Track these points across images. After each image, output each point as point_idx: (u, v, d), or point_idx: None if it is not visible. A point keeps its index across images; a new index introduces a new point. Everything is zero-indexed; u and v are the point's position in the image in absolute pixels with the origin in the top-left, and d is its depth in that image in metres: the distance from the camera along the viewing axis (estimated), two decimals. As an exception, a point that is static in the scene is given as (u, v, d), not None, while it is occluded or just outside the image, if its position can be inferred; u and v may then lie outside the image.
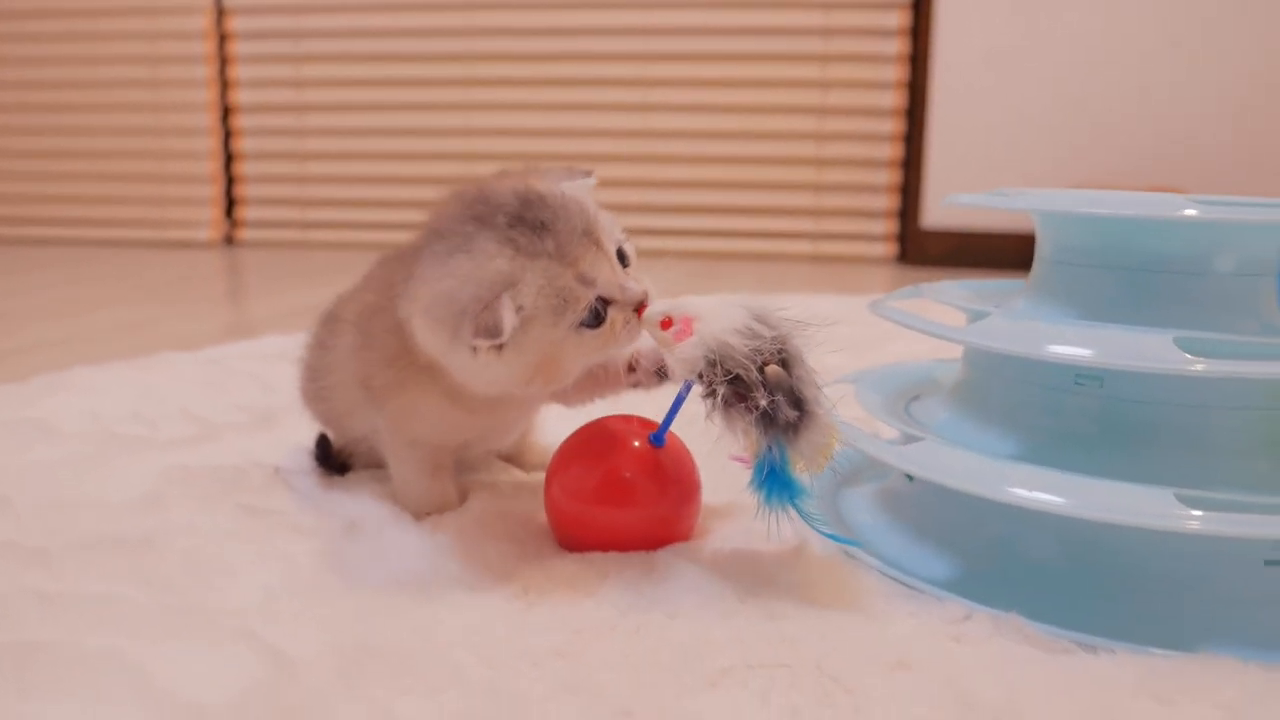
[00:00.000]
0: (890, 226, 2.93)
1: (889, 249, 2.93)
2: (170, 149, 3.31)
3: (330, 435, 0.91)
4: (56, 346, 1.53)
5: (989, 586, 0.66)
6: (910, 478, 0.78)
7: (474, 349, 0.64)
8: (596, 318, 0.66)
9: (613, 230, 0.70)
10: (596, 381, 0.77)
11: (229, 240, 3.33)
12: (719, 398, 0.63)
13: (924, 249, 2.81)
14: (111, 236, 3.33)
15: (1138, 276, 0.69)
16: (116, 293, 2.20)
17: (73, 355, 1.40)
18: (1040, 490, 0.62)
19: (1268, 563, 0.63)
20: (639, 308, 0.67)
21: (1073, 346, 0.65)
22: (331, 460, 0.90)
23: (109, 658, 0.56)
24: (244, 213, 3.31)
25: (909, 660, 0.57)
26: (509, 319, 0.62)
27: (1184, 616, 0.63)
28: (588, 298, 0.65)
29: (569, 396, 0.78)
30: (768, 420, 0.62)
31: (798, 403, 0.62)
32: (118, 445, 0.97)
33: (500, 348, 0.64)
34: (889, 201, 2.92)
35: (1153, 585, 0.64)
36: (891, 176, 2.91)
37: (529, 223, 0.65)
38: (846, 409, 0.78)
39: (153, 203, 3.33)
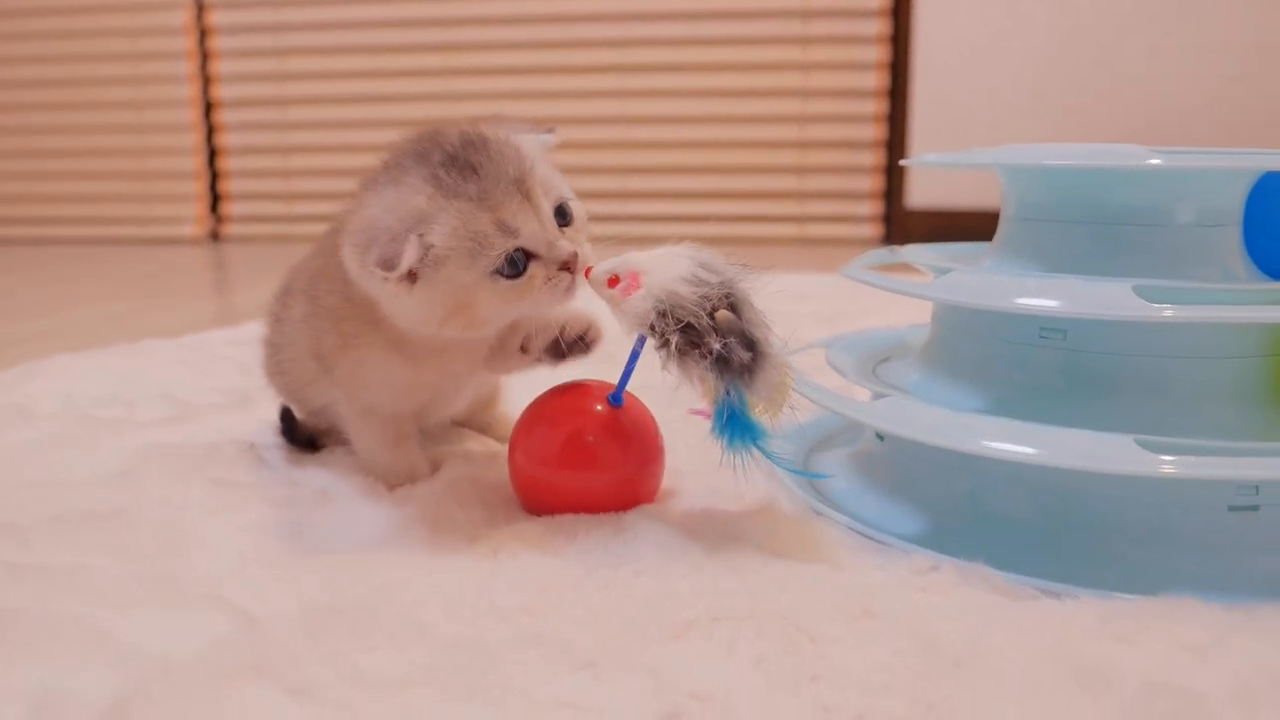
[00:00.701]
0: (875, 207, 2.94)
1: (874, 230, 2.93)
2: (153, 146, 3.30)
3: (294, 409, 0.91)
4: (38, 339, 1.53)
5: (958, 540, 0.66)
6: (881, 437, 0.78)
7: (382, 279, 0.64)
8: (514, 267, 0.66)
9: (553, 186, 0.69)
10: (498, 356, 0.77)
11: (214, 236, 3.33)
12: (672, 347, 0.63)
13: (909, 229, 2.82)
14: (96, 235, 3.32)
15: (1102, 230, 0.69)
16: (100, 289, 2.20)
17: (54, 347, 1.40)
18: (1011, 442, 0.62)
19: (1231, 508, 0.63)
20: (565, 265, 0.67)
21: (1038, 298, 0.65)
22: (297, 435, 0.90)
23: (77, 623, 0.56)
24: (229, 208, 3.30)
25: (874, 609, 0.57)
26: (409, 255, 0.62)
27: (1148, 564, 0.63)
28: (505, 246, 0.65)
29: (490, 363, 0.78)
30: (723, 364, 0.62)
31: (750, 344, 0.63)
32: (94, 426, 0.97)
33: (411, 282, 0.64)
34: (873, 182, 2.93)
35: (1118, 534, 0.65)
36: (875, 157, 2.91)
37: (459, 164, 0.65)
38: (819, 375, 0.79)
39: (137, 200, 3.33)
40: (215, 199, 3.32)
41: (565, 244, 0.67)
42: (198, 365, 1.25)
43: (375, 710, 0.48)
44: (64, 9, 3.25)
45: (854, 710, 0.47)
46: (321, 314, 0.75)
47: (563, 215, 0.69)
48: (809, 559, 0.65)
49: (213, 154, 3.30)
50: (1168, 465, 0.57)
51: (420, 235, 0.63)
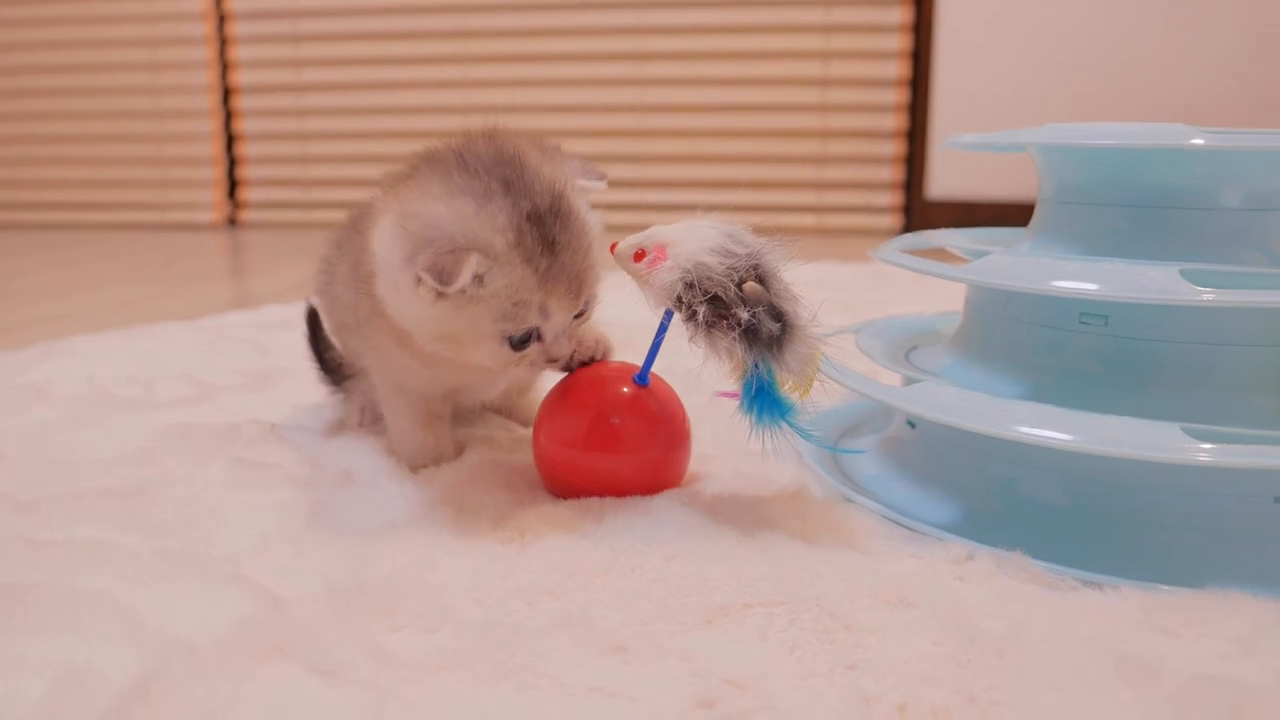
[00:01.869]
0: (895, 198, 2.91)
1: (894, 220, 2.91)
2: (172, 132, 3.30)
3: (327, 329, 0.90)
4: (56, 321, 1.52)
5: (993, 529, 0.64)
6: (913, 424, 0.77)
7: (418, 279, 0.62)
8: (521, 343, 0.66)
9: (595, 280, 0.69)
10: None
11: (232, 221, 3.33)
12: (699, 319, 0.62)
13: (930, 219, 2.79)
14: (114, 220, 3.33)
15: (1143, 213, 0.68)
16: (118, 273, 2.20)
17: (72, 329, 1.40)
18: (1048, 428, 0.60)
19: (1278, 499, 0.61)
20: (553, 360, 0.69)
21: (1079, 281, 0.63)
22: (323, 354, 0.90)
23: (99, 598, 0.55)
24: (246, 194, 3.30)
25: (910, 597, 0.56)
26: (464, 278, 0.61)
27: (1192, 555, 0.62)
28: (530, 325, 0.65)
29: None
30: (750, 336, 0.61)
31: (778, 316, 0.62)
32: (113, 405, 0.96)
33: (438, 296, 0.63)
34: (894, 172, 2.90)
35: (1159, 524, 0.63)
36: (896, 147, 2.89)
37: (543, 229, 0.64)
38: (850, 361, 0.77)
39: (155, 186, 3.33)
40: (233, 185, 3.32)
41: (567, 345, 0.68)
42: (216, 347, 1.24)
43: (405, 692, 0.47)
44: (83, -6, 3.25)
45: (895, 700, 0.46)
46: (357, 285, 0.74)
47: (582, 310, 0.69)
48: (841, 545, 0.63)
49: (230, 140, 3.29)
50: (1206, 454, 0.56)
51: (480, 271, 0.62)
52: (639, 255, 0.66)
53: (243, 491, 0.72)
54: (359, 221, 0.77)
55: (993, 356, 0.73)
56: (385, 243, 0.65)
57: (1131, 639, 0.51)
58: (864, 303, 1.49)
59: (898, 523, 0.67)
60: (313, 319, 0.91)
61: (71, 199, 3.35)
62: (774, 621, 0.53)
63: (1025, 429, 0.61)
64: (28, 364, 1.13)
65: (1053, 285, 0.63)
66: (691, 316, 0.62)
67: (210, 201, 3.30)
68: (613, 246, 0.67)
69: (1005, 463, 0.69)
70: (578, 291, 0.67)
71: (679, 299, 0.63)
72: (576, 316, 0.69)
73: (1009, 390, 0.70)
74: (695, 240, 0.63)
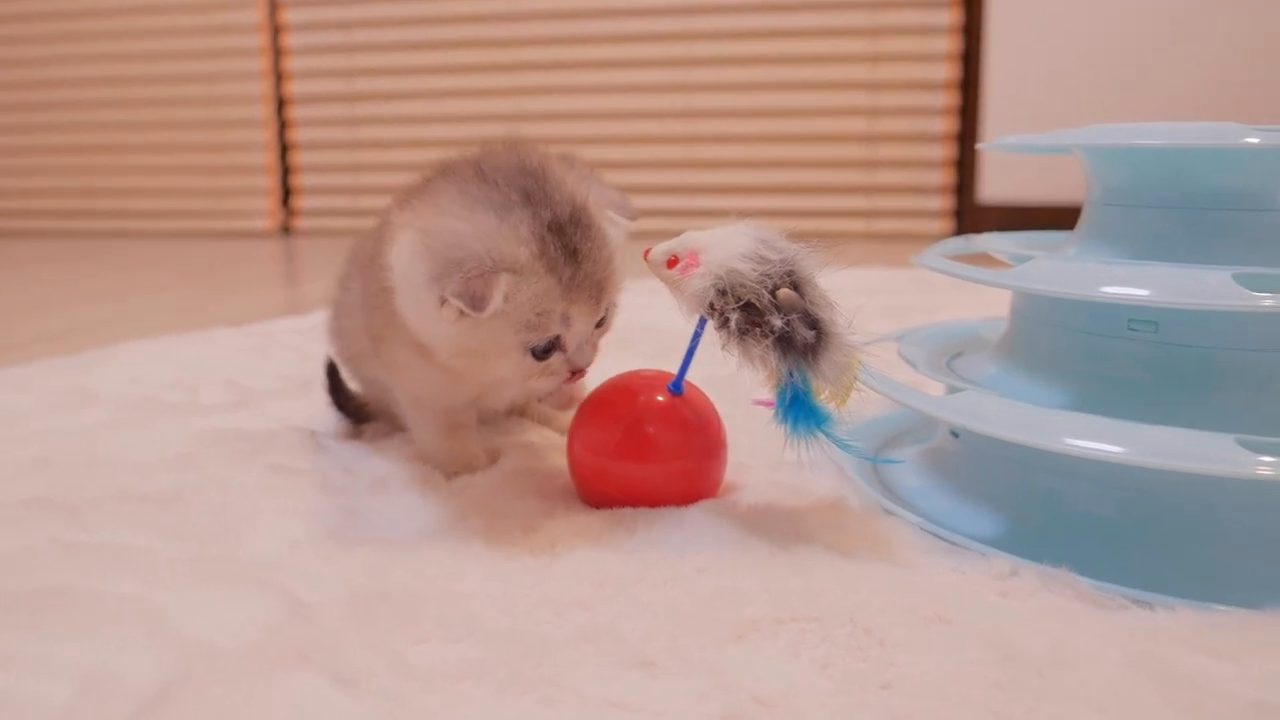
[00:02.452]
0: (945, 202, 2.87)
1: (944, 225, 2.86)
2: (227, 141, 3.36)
3: (349, 378, 0.91)
4: (107, 326, 1.55)
5: (1039, 544, 0.62)
6: (956, 434, 0.74)
7: (442, 300, 0.62)
8: (544, 353, 0.65)
9: (615, 289, 0.68)
10: None
11: (285, 229, 3.37)
12: (732, 326, 0.61)
13: (981, 224, 2.74)
14: (170, 228, 3.39)
15: (1195, 215, 0.65)
16: (170, 279, 2.24)
17: (123, 334, 1.42)
18: (1097, 440, 0.57)
19: (1340, 515, 0.59)
20: (575, 371, 0.68)
21: (1127, 287, 0.61)
22: (345, 402, 0.90)
23: (128, 602, 0.55)
24: (299, 202, 3.35)
25: (948, 614, 0.54)
26: (496, 301, 0.60)
27: (1249, 574, 0.59)
28: (553, 334, 0.65)
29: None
30: (785, 344, 0.60)
31: (813, 323, 0.60)
32: (157, 410, 0.98)
33: (462, 315, 0.62)
34: (944, 176, 2.86)
35: (1214, 541, 0.60)
36: (946, 151, 2.84)
37: (565, 240, 0.63)
38: (891, 369, 0.75)
39: (210, 194, 3.39)
40: (286, 193, 3.37)
41: (590, 355, 0.68)
42: (261, 352, 1.25)
43: (423, 702, 0.46)
44: (141, 8, 3.32)
45: (927, 720, 0.44)
46: (370, 298, 0.74)
47: (602, 319, 0.69)
48: (879, 559, 0.62)
49: (284, 149, 3.34)
50: (1266, 466, 0.53)
51: (508, 289, 0.61)
52: (672, 262, 0.65)
53: (277, 497, 0.72)
54: (366, 243, 0.78)
55: (1038, 365, 0.71)
56: (405, 260, 0.64)
57: (1182, 661, 0.49)
58: (910, 309, 1.46)
59: (938, 536, 0.66)
60: (332, 370, 0.92)
61: (130, 207, 3.43)
62: (806, 637, 0.52)
63: (1073, 441, 0.58)
64: (78, 368, 1.15)
65: (1101, 291, 0.61)
66: (724, 324, 0.61)
67: (264, 209, 3.35)
68: (646, 253, 0.66)
69: (1052, 475, 0.66)
70: (599, 299, 0.66)
71: (711, 306, 0.62)
72: (597, 326, 0.68)
73: (1055, 400, 0.67)
74: (728, 246, 0.62)
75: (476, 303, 0.60)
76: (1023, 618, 0.54)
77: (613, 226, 0.67)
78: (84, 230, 3.44)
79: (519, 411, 0.92)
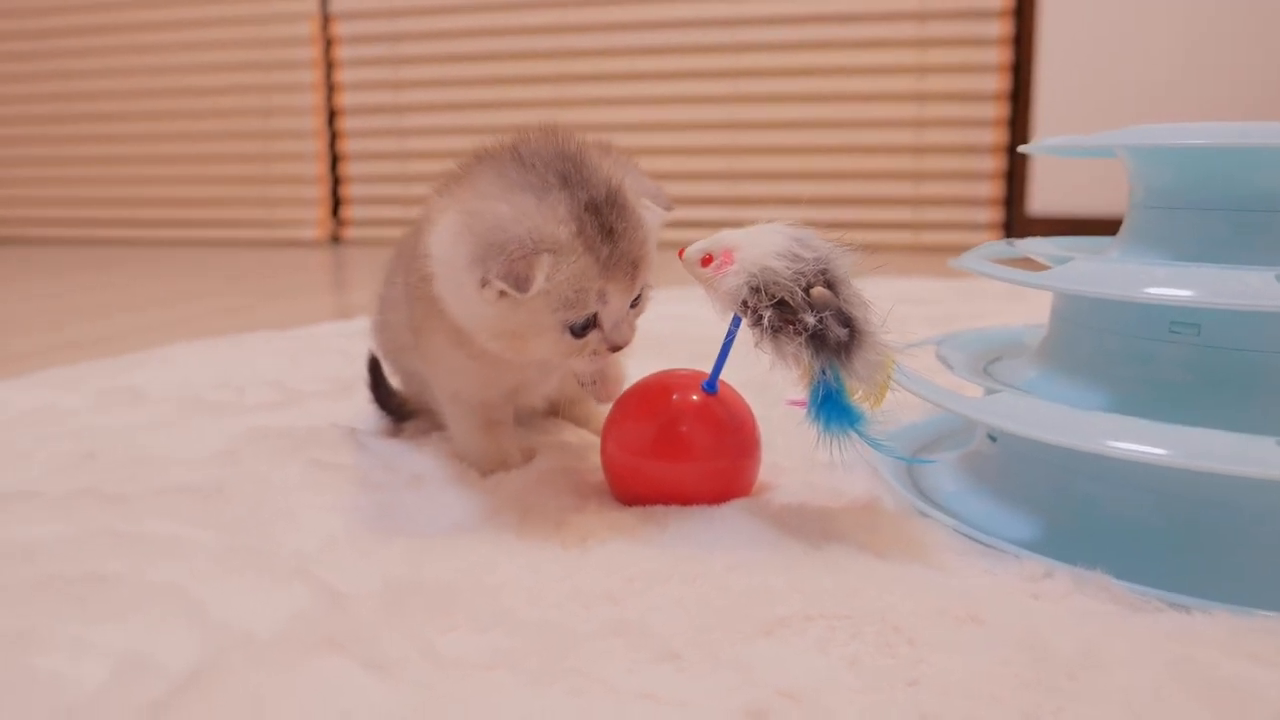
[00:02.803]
0: (994, 214, 2.84)
1: (993, 238, 2.83)
2: (279, 152, 3.42)
3: (391, 373, 0.92)
4: (157, 330, 1.58)
5: (1076, 548, 0.61)
6: (993, 438, 0.74)
7: (483, 283, 0.62)
8: (582, 330, 0.66)
9: (649, 271, 0.69)
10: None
11: (335, 239, 3.42)
12: (765, 323, 0.61)
13: (1031, 236, 2.70)
14: (223, 237, 3.46)
15: (1241, 217, 0.64)
16: (220, 286, 2.28)
17: (172, 338, 1.45)
18: (1138, 442, 0.56)
19: (1388, 522, 0.57)
20: (614, 348, 0.67)
21: (1169, 288, 0.60)
22: (387, 400, 0.92)
23: (168, 590, 0.56)
24: (349, 212, 3.40)
25: (981, 614, 0.54)
26: (539, 282, 0.61)
27: (1293, 580, 0.58)
28: (590, 311, 0.65)
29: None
30: (818, 341, 0.60)
31: (846, 321, 0.60)
32: (204, 409, 0.99)
33: (502, 296, 0.63)
34: (993, 188, 2.83)
35: (1255, 545, 0.59)
36: (996, 162, 2.82)
37: (603, 218, 0.64)
38: (931, 376, 0.75)
39: (262, 204, 3.45)
40: (336, 203, 3.42)
41: (627, 332, 0.68)
42: (307, 355, 1.27)
43: (451, 689, 0.46)
44: (198, 22, 3.40)
45: (955, 719, 0.44)
46: (411, 289, 0.75)
47: (637, 298, 0.69)
48: (911, 560, 0.61)
49: (334, 160, 3.40)
50: (1312, 471, 0.52)
51: (549, 269, 0.62)
52: (706, 260, 0.65)
53: (316, 492, 0.74)
54: (409, 236, 0.79)
55: (1078, 368, 0.70)
56: (447, 243, 0.65)
57: (1220, 665, 0.48)
58: (954, 317, 1.45)
59: (973, 538, 0.65)
60: (374, 366, 0.93)
61: (182, 217, 3.50)
62: (835, 635, 0.52)
63: (1115, 443, 0.57)
64: (127, 369, 1.17)
65: (1143, 292, 0.60)
66: (757, 321, 0.61)
67: (314, 219, 3.40)
68: (680, 251, 0.67)
69: (1091, 479, 0.65)
70: (634, 277, 0.66)
71: (744, 303, 0.62)
72: (632, 305, 0.68)
73: (1095, 403, 0.66)
74: (762, 244, 0.62)
75: (520, 283, 0.61)
76: (1055, 619, 0.53)
77: (648, 211, 0.68)
78: (138, 239, 3.53)
79: (555, 412, 0.93)
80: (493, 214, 0.63)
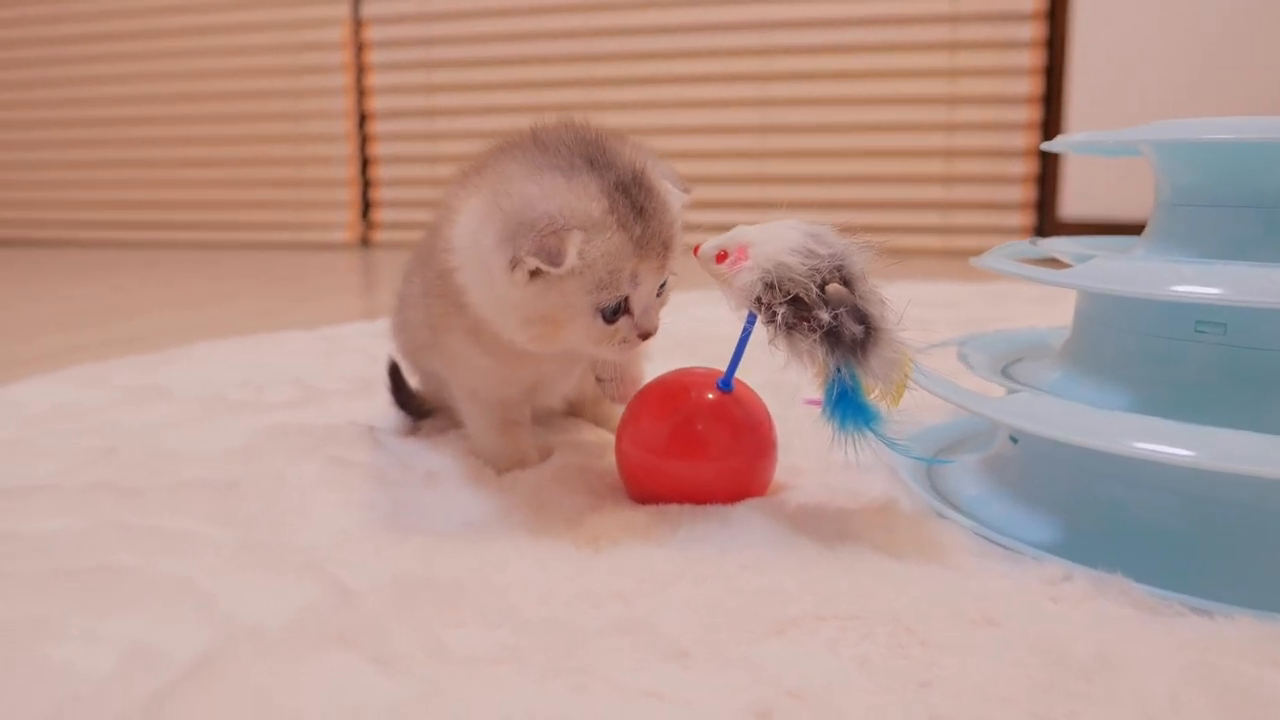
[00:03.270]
0: (1026, 218, 2.81)
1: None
2: (310, 155, 3.45)
3: (409, 372, 0.92)
4: (186, 331, 1.60)
5: (1097, 551, 0.60)
6: (1015, 439, 0.72)
7: (513, 264, 0.62)
8: (613, 314, 0.65)
9: (675, 257, 0.68)
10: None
11: (364, 242, 3.45)
12: (779, 320, 0.60)
13: (1061, 242, 2.67)
14: (255, 239, 3.49)
15: (1271, 214, 0.63)
16: (250, 287, 2.30)
17: (199, 337, 1.46)
18: (1163, 443, 0.55)
19: None
20: (644, 334, 0.66)
21: (1195, 285, 0.58)
22: (407, 400, 0.92)
23: (179, 583, 0.56)
24: (379, 215, 3.42)
25: (996, 617, 0.53)
26: (572, 257, 0.60)
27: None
28: (622, 294, 0.64)
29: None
30: (833, 339, 0.59)
31: (862, 319, 0.59)
32: (225, 407, 1.00)
33: (534, 275, 0.62)
34: (1024, 193, 2.80)
35: (1282, 549, 0.58)
36: (1027, 166, 2.79)
37: (632, 198, 0.64)
38: (953, 378, 0.74)
39: (293, 207, 3.48)
40: (366, 206, 3.44)
41: (656, 318, 0.67)
42: (330, 355, 1.28)
43: (455, 685, 0.46)
44: (232, 27, 3.44)
45: (966, 720, 0.43)
46: (430, 286, 0.75)
47: (662, 286, 0.68)
48: (928, 561, 0.60)
49: (365, 163, 3.42)
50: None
51: (581, 245, 0.62)
52: (721, 257, 0.64)
53: (331, 489, 0.74)
54: (428, 236, 0.79)
55: (1101, 369, 0.69)
56: (473, 227, 0.65)
57: (1240, 671, 0.46)
58: (980, 321, 1.43)
59: (992, 540, 0.64)
60: (394, 369, 0.94)
61: (213, 219, 3.54)
62: (846, 635, 0.51)
63: (1139, 444, 0.56)
64: (152, 367, 1.18)
65: (1169, 290, 0.59)
66: (771, 318, 0.61)
67: (344, 222, 3.43)
68: (696, 249, 0.66)
69: (1113, 481, 0.64)
70: (665, 257, 0.66)
71: (759, 300, 0.61)
72: (658, 293, 0.68)
73: (1118, 404, 0.65)
74: (776, 241, 0.62)
75: (553, 258, 0.60)
76: (1073, 623, 0.52)
77: (673, 198, 0.67)
78: (172, 241, 3.57)
79: (573, 411, 0.92)
80: (521, 194, 0.63)
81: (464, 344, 0.73)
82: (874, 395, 0.61)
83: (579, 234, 0.61)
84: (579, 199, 0.62)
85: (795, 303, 0.60)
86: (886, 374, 0.60)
